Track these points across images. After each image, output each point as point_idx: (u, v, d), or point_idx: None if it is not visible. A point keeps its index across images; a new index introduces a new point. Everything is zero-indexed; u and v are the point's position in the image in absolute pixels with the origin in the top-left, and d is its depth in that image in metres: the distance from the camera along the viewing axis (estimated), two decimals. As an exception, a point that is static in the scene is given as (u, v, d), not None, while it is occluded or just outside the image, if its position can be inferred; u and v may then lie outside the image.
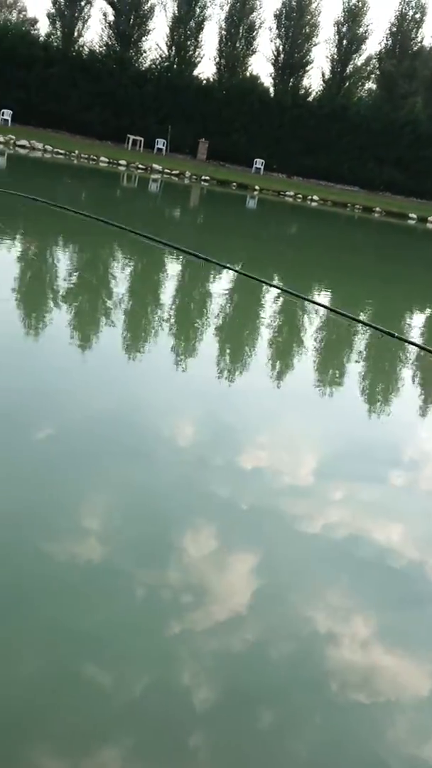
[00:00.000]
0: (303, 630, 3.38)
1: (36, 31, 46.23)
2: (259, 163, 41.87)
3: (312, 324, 10.26)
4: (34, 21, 50.30)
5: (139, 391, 6.28)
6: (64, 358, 6.61)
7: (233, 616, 3.37)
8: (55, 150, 34.91)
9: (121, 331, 8.12)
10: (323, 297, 12.78)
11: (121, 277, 11.25)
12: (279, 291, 11.81)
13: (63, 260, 11.87)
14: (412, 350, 9.20)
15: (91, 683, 2.81)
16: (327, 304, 11.19)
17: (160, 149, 40.63)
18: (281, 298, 11.53)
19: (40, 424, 5.02)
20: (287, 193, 37.93)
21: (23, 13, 56.23)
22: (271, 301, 11.52)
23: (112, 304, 9.23)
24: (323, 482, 5.05)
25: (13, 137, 34.62)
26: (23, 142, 34.45)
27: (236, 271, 12.49)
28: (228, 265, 12.61)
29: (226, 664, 3.07)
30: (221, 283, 12.11)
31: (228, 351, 8.31)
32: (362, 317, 10.45)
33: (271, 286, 12.07)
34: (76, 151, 35.44)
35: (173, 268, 12.93)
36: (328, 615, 3.52)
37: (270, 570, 3.85)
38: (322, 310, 10.60)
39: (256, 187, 37.48)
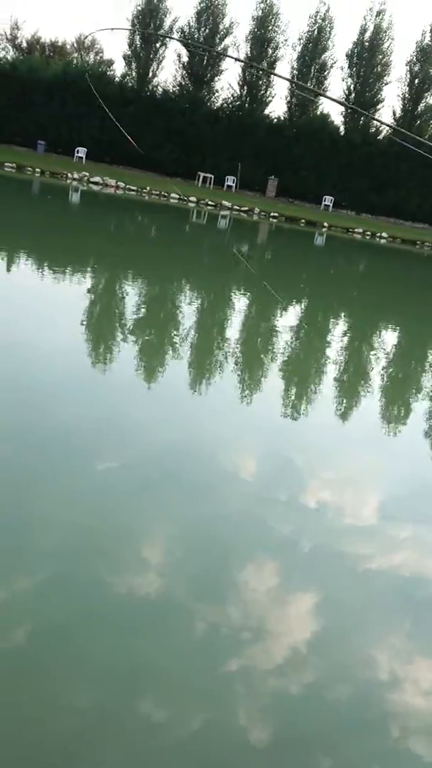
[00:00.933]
0: (362, 673, 3.31)
1: (112, 72, 47.45)
2: (328, 200, 41.97)
3: (378, 361, 10.16)
4: (111, 62, 51.54)
5: (204, 424, 6.31)
6: (129, 390, 6.70)
7: (291, 656, 3.32)
8: (128, 186, 35.64)
9: (186, 365, 8.19)
10: (390, 333, 12.67)
11: (188, 311, 11.35)
12: (345, 327, 11.75)
13: (132, 294, 12.04)
14: None
15: (146, 718, 2.80)
16: (394, 340, 11.09)
17: (230, 186, 41.11)
18: (347, 334, 11.47)
19: (104, 454, 5.09)
20: (356, 230, 37.88)
21: (100, 54, 57.77)
22: (337, 337, 11.47)
23: (179, 339, 9.31)
24: (387, 522, 4.97)
25: (87, 174, 35.51)
26: (97, 178, 35.30)
27: (302, 306, 12.46)
28: (295, 300, 12.60)
29: (283, 705, 3.03)
30: (287, 319, 12.11)
31: (293, 386, 8.29)
32: (430, 355, 10.31)
33: (337, 321, 12.02)
34: (148, 188, 36.11)
35: (240, 302, 13.00)
36: (389, 658, 3.44)
37: (330, 610, 3.80)
38: (389, 347, 10.50)
39: (325, 224, 37.53)
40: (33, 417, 5.50)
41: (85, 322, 9.23)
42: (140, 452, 5.29)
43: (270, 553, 4.24)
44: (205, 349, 9.26)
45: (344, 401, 8.12)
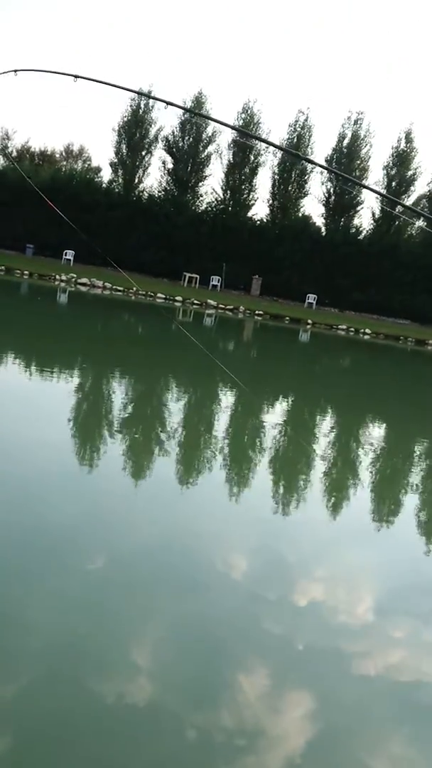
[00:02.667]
0: (363, 781, 3.16)
1: (99, 179, 49.01)
2: (311, 298, 42.81)
3: (366, 456, 10.14)
4: (98, 169, 53.37)
5: (194, 520, 6.22)
6: (116, 485, 6.62)
7: (287, 764, 3.18)
8: (114, 287, 36.27)
9: (174, 461, 8.14)
10: (378, 428, 12.69)
11: (174, 407, 11.38)
12: (332, 422, 11.78)
13: (118, 391, 12.07)
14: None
15: None
16: (382, 435, 11.10)
17: (215, 286, 41.96)
18: (334, 430, 11.48)
19: (91, 552, 4.99)
20: (340, 326, 38.50)
21: (88, 162, 59.82)
22: (325, 432, 11.48)
23: (166, 435, 9.29)
24: (382, 619, 4.85)
25: (75, 275, 36.21)
26: (84, 280, 35.97)
27: (287, 402, 12.52)
28: (280, 396, 12.67)
29: None
30: (274, 416, 12.14)
31: (282, 482, 8.23)
32: (417, 449, 10.32)
33: (324, 416, 12.06)
34: (134, 288, 36.76)
35: (226, 399, 13.06)
36: (388, 765, 3.30)
37: (326, 713, 3.66)
38: (375, 442, 10.51)
39: (309, 321, 38.16)
40: (18, 514, 5.41)
41: (72, 420, 9.21)
42: (128, 550, 5.20)
43: (264, 654, 4.11)
44: (192, 446, 9.23)
45: (334, 496, 8.05)
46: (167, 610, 4.40)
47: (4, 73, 4.75)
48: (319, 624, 4.60)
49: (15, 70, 4.67)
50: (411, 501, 8.38)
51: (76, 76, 4.28)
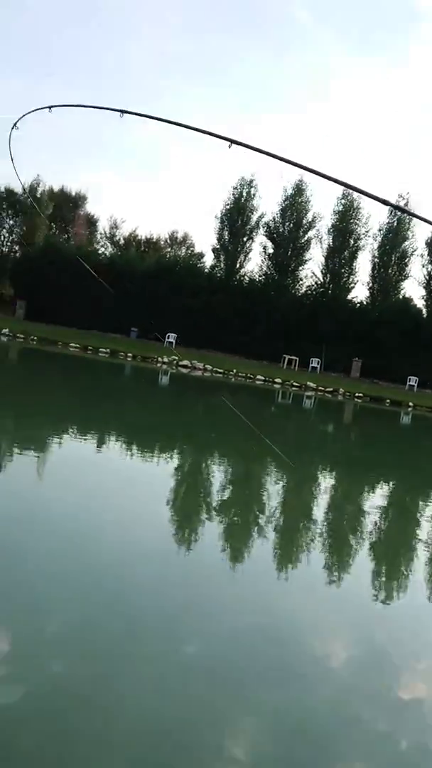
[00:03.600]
0: None
1: (202, 264, 50.38)
2: (412, 380, 42.21)
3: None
4: (201, 255, 54.91)
5: (289, 605, 6.09)
6: (212, 569, 6.58)
7: None
8: (214, 369, 36.80)
9: (272, 545, 8.04)
10: None
11: (273, 491, 11.30)
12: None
13: (218, 473, 12.10)
14: None
15: None
16: None
17: (314, 368, 41.99)
18: (439, 516, 11.11)
19: (185, 636, 4.94)
20: (443, 409, 37.74)
21: (191, 249, 61.65)
22: (427, 516, 11.14)
23: (264, 519, 9.22)
24: None
25: (176, 358, 36.99)
26: (185, 362, 36.69)
27: (389, 485, 12.26)
28: (383, 479, 12.43)
29: None
30: (375, 499, 11.90)
31: (384, 569, 7.99)
32: None
33: (426, 502, 11.72)
34: (234, 370, 37.21)
35: (326, 483, 12.90)
36: None
37: None
38: None
39: (410, 404, 37.55)
40: (109, 597, 5.43)
41: (171, 502, 9.27)
42: (220, 636, 5.12)
43: (364, 751, 3.93)
44: (289, 530, 9.11)
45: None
46: (259, 699, 4.29)
47: (38, 109, 4.69)
48: (421, 721, 4.38)
49: (50, 107, 4.63)
50: None
51: (122, 111, 4.22)
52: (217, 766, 3.53)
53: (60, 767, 3.31)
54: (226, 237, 47.55)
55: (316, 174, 3.50)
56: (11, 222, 53.04)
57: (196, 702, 4.10)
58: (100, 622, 4.90)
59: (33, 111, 4.75)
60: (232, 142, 3.70)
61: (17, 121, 4.88)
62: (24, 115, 4.84)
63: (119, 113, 4.15)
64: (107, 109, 4.29)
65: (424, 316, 46.14)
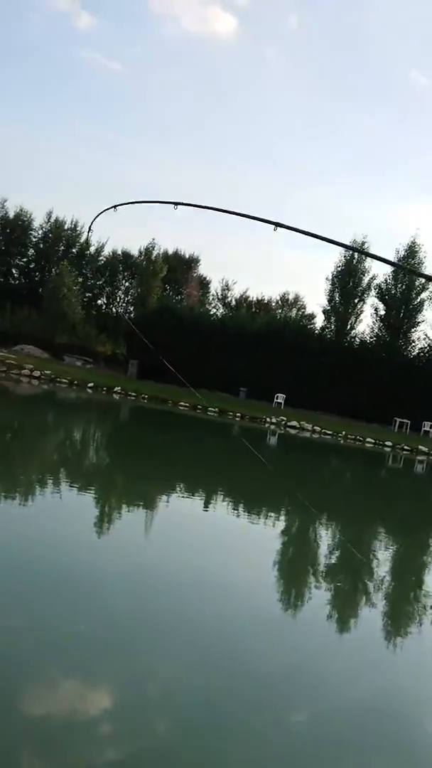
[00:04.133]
0: None
1: (312, 325, 50.48)
2: None
3: None
4: (312, 316, 55.04)
5: (402, 679, 5.93)
6: (321, 638, 6.50)
7: None
8: (323, 431, 36.52)
9: (380, 613, 7.87)
10: None
11: (383, 556, 11.07)
12: None
13: (328, 537, 11.96)
14: None
15: None
16: None
17: (426, 431, 41.02)
18: None
19: (295, 707, 4.89)
20: None
21: (302, 310, 61.90)
22: None
23: (373, 586, 9.04)
24: None
25: (285, 418, 36.94)
26: (293, 423, 36.58)
27: None
28: None
29: None
30: None
31: None
32: None
33: None
34: (343, 432, 36.80)
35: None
36: None
37: None
38: None
39: None
40: (224, 659, 5.44)
41: (278, 564, 9.24)
42: (332, 706, 5.04)
43: None
44: (398, 598, 8.90)
45: None
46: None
47: (105, 210, 5.24)
48: None
49: (115, 206, 5.12)
50: None
51: (176, 203, 4.63)
52: None
53: None
54: (337, 299, 47.55)
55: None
56: (126, 284, 54.90)
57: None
58: (210, 680, 4.92)
59: (102, 212, 5.37)
60: (277, 225, 4.01)
61: (91, 223, 5.82)
62: (96, 217, 5.58)
63: (174, 205, 4.57)
64: (162, 202, 4.81)
65: None
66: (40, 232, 52.66)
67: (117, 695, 4.57)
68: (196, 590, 7.21)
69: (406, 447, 36.44)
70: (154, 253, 51.00)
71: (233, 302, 62.51)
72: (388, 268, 47.67)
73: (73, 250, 53.10)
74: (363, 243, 43.92)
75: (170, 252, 58.27)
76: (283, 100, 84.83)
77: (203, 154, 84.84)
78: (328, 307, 47.92)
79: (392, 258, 47.54)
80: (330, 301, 47.87)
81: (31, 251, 53.09)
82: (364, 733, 4.72)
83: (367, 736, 4.70)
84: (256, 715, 4.64)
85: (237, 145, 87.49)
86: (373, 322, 47.88)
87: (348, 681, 5.63)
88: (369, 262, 47.23)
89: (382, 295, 47.53)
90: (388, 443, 36.40)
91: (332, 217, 70.36)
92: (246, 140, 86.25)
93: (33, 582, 6.46)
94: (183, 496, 13.15)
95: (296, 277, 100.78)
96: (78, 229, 52.25)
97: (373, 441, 36.38)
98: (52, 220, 52.59)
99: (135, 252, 54.13)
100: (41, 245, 52.72)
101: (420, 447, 36.66)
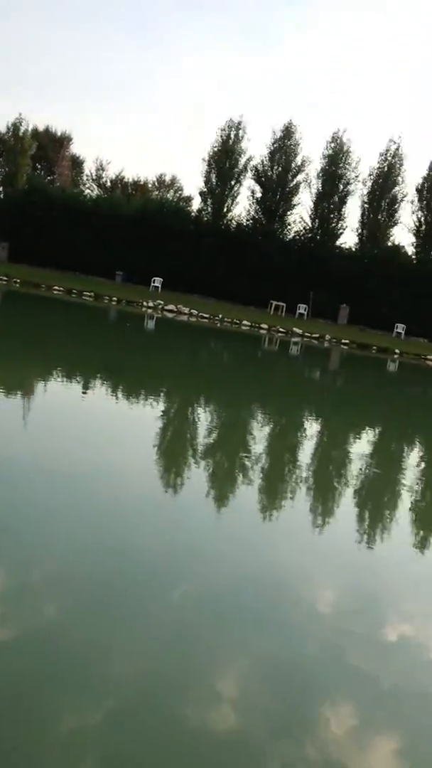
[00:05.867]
0: None
1: (189, 208, 49.72)
2: (400, 327, 42.16)
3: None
4: (189, 198, 54.20)
5: (277, 555, 6.14)
6: (197, 516, 6.62)
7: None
8: (200, 314, 36.64)
9: (257, 491, 8.09)
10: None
11: (259, 436, 11.33)
12: (419, 456, 11.53)
13: (203, 419, 12.12)
14: None
15: None
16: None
17: (301, 314, 41.87)
18: (421, 464, 11.22)
19: (174, 585, 4.97)
20: (428, 357, 37.83)
21: (179, 192, 60.81)
22: (412, 465, 11.24)
23: (250, 462, 9.26)
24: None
25: (162, 302, 36.78)
26: (171, 306, 36.49)
27: (374, 433, 12.34)
28: (367, 426, 12.50)
29: None
30: (361, 446, 11.97)
31: (367, 514, 8.07)
32: None
33: (410, 450, 11.82)
34: (220, 315, 37.06)
35: (312, 429, 12.95)
36: None
37: (413, 756, 3.53)
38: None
39: (397, 351, 37.65)
40: (105, 539, 5.46)
41: (156, 445, 9.29)
42: (212, 583, 5.16)
43: (348, 693, 4.01)
44: (275, 476, 9.17)
45: (425, 529, 7.85)
46: (249, 645, 4.34)
47: None
48: (407, 663, 4.47)
49: None
50: None
51: None
52: (207, 706, 3.58)
53: (51, 711, 3.35)
54: (214, 180, 46.78)
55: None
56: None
57: (183, 647, 4.15)
58: (92, 559, 4.93)
59: None
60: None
61: None
62: None
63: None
64: None
65: (414, 263, 45.90)
66: None
67: (3, 577, 4.51)
68: (84, 479, 7.15)
69: (281, 329, 37.13)
70: (22, 129, 48.31)
71: (108, 183, 60.62)
72: (265, 150, 47.12)
73: None
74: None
75: (40, 129, 55.49)
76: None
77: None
78: (205, 189, 47.17)
79: (269, 142, 47.03)
80: (206, 182, 47.08)
81: None
82: (238, 605, 4.89)
83: (241, 608, 4.86)
84: (144, 592, 4.70)
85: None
86: (250, 204, 47.57)
87: (232, 558, 5.78)
88: (245, 143, 46.54)
89: (258, 177, 47.09)
90: (264, 325, 36.96)
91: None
92: None
93: None
94: (58, 379, 12.93)
95: (174, 158, 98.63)
96: None
97: (249, 323, 36.83)
98: None
99: (2, 128, 51.13)
100: None
101: (294, 329, 37.44)
